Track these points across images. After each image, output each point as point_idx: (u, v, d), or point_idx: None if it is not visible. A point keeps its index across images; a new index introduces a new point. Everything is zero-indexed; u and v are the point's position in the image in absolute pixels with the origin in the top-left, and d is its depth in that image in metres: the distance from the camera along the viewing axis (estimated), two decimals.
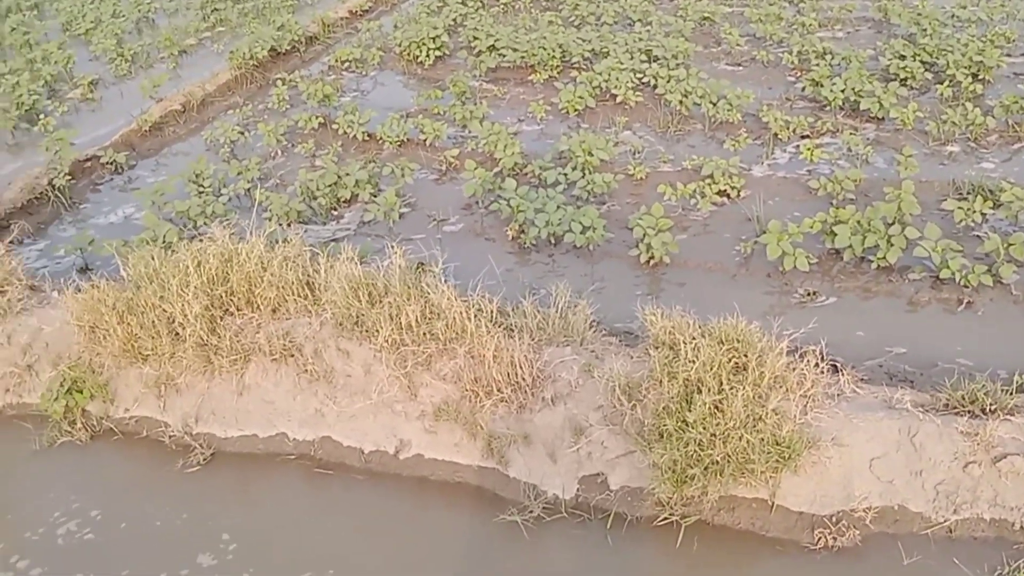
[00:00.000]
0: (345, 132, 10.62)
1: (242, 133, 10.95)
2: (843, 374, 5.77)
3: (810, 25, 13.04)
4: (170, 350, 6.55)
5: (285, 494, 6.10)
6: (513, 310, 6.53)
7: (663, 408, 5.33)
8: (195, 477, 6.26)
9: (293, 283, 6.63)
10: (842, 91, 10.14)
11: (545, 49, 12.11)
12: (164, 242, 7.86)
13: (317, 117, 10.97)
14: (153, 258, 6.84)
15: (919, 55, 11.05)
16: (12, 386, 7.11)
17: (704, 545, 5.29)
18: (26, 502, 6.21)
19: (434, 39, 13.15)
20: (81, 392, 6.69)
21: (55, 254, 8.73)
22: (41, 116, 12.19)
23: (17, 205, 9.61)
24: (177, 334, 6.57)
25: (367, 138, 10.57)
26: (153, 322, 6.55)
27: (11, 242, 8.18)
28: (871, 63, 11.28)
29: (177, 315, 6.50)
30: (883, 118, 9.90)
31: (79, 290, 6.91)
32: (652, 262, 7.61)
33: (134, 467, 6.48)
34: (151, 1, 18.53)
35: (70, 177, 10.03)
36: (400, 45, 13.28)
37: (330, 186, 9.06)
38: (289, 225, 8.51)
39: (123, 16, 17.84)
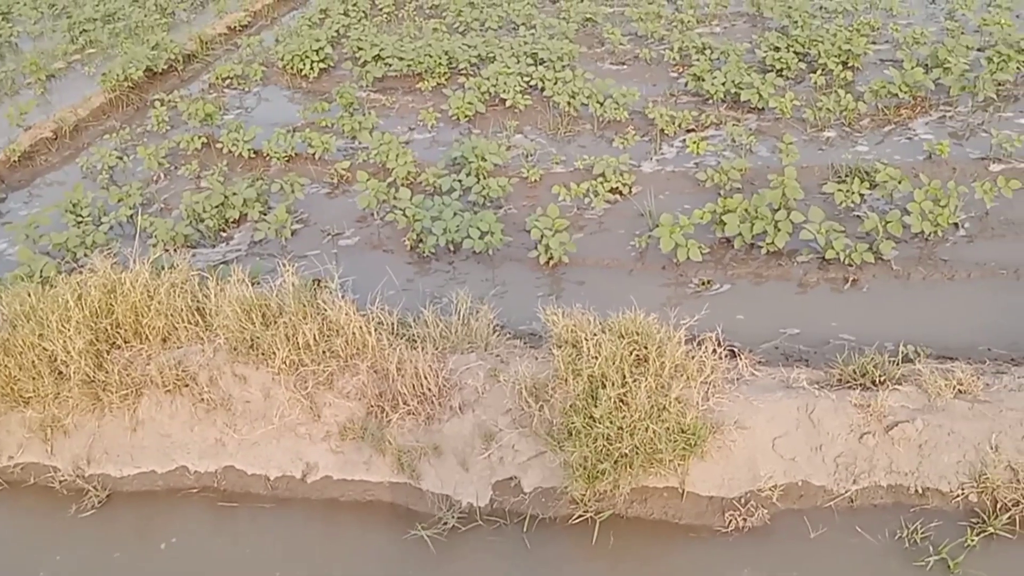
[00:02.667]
0: (230, 151, 10.31)
1: (120, 158, 10.48)
2: (741, 358, 5.92)
3: (688, 22, 13.41)
4: (54, 390, 6.19)
5: (189, 530, 5.84)
6: (415, 320, 6.46)
7: (570, 406, 5.34)
8: (90, 521, 5.94)
9: (182, 310, 6.38)
10: (723, 84, 10.45)
11: (431, 56, 12.06)
12: (41, 277, 7.47)
13: (200, 137, 10.62)
14: (30, 295, 6.49)
15: (792, 46, 11.50)
16: None
17: (619, 538, 5.34)
18: None
19: (317, 51, 12.93)
20: None
21: None
22: None
23: None
24: (60, 372, 6.22)
25: (253, 155, 10.30)
26: (33, 362, 6.18)
27: None
28: (748, 56, 11.66)
29: (59, 352, 6.16)
30: (763, 108, 10.25)
31: None
32: (551, 263, 7.65)
33: (21, 518, 6.09)
34: (12, 25, 17.61)
35: None
36: (283, 59, 13.00)
37: (217, 207, 8.77)
38: (176, 250, 8.18)
39: None
